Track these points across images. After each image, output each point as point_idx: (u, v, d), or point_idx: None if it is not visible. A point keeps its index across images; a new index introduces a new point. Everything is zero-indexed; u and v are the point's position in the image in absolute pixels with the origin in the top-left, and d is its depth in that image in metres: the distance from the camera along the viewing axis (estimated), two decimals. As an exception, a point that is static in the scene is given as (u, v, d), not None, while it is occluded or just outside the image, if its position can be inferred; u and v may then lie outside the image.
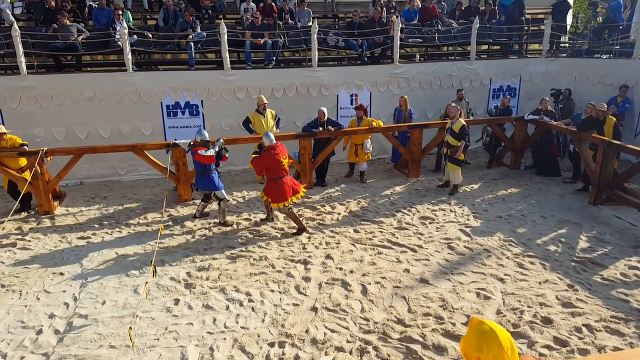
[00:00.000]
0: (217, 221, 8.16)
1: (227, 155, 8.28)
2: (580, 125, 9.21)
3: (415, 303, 5.82)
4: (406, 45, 12.41)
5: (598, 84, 11.69)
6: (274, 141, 7.58)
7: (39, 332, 5.38)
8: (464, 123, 9.08)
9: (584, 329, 5.28)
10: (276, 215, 8.37)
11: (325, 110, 9.64)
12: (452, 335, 5.22)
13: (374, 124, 9.62)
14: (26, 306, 5.87)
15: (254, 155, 7.75)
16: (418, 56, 12.69)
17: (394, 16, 12.01)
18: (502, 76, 12.62)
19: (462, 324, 5.41)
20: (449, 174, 9.43)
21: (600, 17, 14.27)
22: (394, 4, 13.53)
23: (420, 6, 13.10)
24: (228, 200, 8.23)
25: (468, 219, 8.24)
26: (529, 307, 5.70)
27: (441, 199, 9.16)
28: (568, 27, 14.44)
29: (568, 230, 7.78)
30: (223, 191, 8.06)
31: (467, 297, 5.95)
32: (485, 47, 13.79)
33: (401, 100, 10.58)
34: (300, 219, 8.05)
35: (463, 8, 13.90)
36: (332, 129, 9.53)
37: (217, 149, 7.93)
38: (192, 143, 8.21)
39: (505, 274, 6.44)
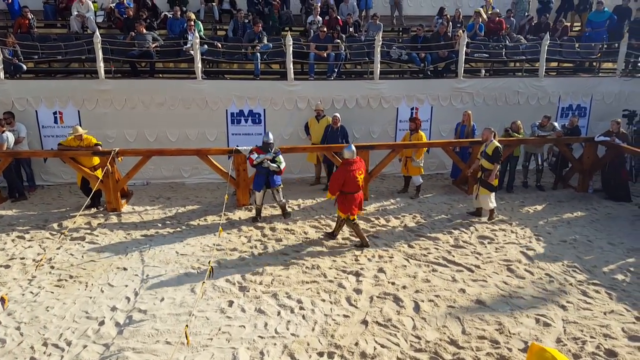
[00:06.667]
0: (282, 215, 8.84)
1: (277, 169, 8.56)
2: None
3: (470, 325, 5.66)
4: (471, 60, 12.18)
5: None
6: (355, 155, 7.49)
7: (101, 323, 5.67)
8: (498, 145, 8.53)
9: (653, 366, 4.95)
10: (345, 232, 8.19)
11: (338, 115, 10.05)
12: (507, 360, 5.04)
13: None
14: (91, 297, 6.21)
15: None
16: (483, 71, 12.41)
17: (460, 30, 11.83)
18: (572, 95, 12.07)
19: (519, 349, 5.22)
20: (480, 199, 8.72)
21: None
22: (460, 18, 13.32)
23: (486, 20, 12.84)
24: (255, 204, 8.78)
25: (530, 241, 7.92)
26: (592, 337, 5.43)
27: (502, 218, 8.85)
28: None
29: (638, 259, 7.33)
30: (256, 194, 8.68)
31: (525, 322, 5.73)
32: (554, 64, 13.28)
33: (465, 115, 10.39)
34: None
35: (533, 24, 13.48)
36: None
37: (261, 159, 8.40)
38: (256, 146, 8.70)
39: (568, 302, 6.16)
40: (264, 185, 8.61)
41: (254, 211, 8.90)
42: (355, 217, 7.60)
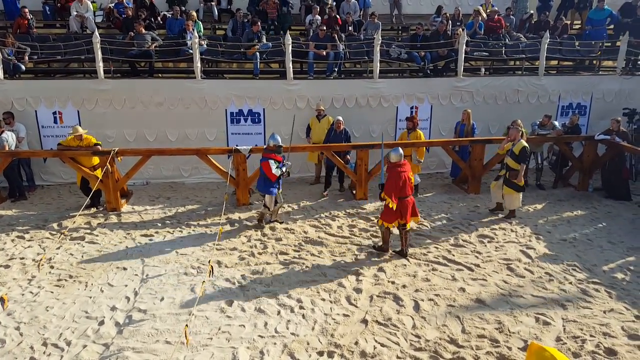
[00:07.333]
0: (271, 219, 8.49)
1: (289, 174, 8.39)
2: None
3: (469, 323, 5.65)
4: (471, 58, 12.17)
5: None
6: (402, 158, 7.07)
7: (101, 323, 5.66)
8: (526, 145, 8.49)
9: (653, 364, 4.95)
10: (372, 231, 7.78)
11: (341, 119, 9.88)
12: (507, 359, 5.05)
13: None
14: (90, 297, 6.20)
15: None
16: (483, 70, 12.40)
17: (460, 29, 11.82)
18: (572, 93, 12.06)
19: (518, 348, 5.22)
20: (506, 198, 8.75)
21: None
22: (460, 16, 13.31)
23: (485, 18, 12.83)
24: (270, 209, 8.29)
25: (530, 240, 7.91)
26: (591, 336, 5.42)
27: (502, 217, 8.84)
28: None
29: (638, 258, 7.32)
30: (273, 198, 8.19)
31: (525, 321, 5.72)
32: (554, 62, 13.27)
33: (464, 114, 10.38)
34: (354, 228, 8.11)
35: (533, 22, 13.46)
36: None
37: (284, 170, 8.05)
38: (265, 147, 8.27)
39: (567, 300, 6.15)
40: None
41: (257, 213, 8.59)
42: (409, 225, 7.21)
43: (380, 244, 7.51)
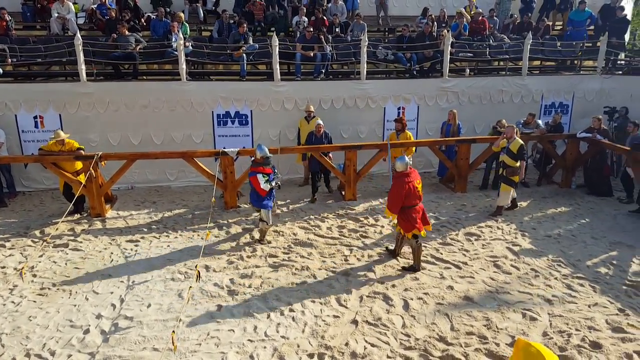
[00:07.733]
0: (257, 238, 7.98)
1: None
2: (636, 145, 8.83)
3: (458, 321, 5.69)
4: (456, 59, 12.28)
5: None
6: (408, 167, 6.83)
7: (86, 331, 5.55)
8: (522, 142, 8.62)
9: (635, 356, 5.05)
10: (403, 252, 7.39)
11: (322, 123, 9.70)
12: (495, 355, 5.09)
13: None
14: (75, 305, 6.08)
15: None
16: (468, 70, 12.53)
17: (445, 30, 11.92)
18: (554, 92, 12.27)
19: (506, 344, 5.26)
20: (501, 195, 8.87)
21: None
22: (445, 18, 13.42)
23: (469, 20, 12.96)
24: (268, 224, 7.77)
25: (515, 237, 7.99)
26: (577, 330, 5.51)
27: (488, 215, 8.92)
28: (625, 43, 13.95)
29: (620, 252, 7.45)
30: (269, 212, 7.75)
31: (512, 317, 5.78)
32: (537, 62, 13.46)
33: (450, 114, 10.49)
34: (344, 229, 8.09)
35: (517, 23, 13.64)
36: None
37: (273, 184, 7.66)
38: (252, 160, 7.79)
39: (553, 295, 6.24)
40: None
41: (257, 231, 8.01)
42: (424, 232, 6.89)
43: (401, 255, 7.29)
